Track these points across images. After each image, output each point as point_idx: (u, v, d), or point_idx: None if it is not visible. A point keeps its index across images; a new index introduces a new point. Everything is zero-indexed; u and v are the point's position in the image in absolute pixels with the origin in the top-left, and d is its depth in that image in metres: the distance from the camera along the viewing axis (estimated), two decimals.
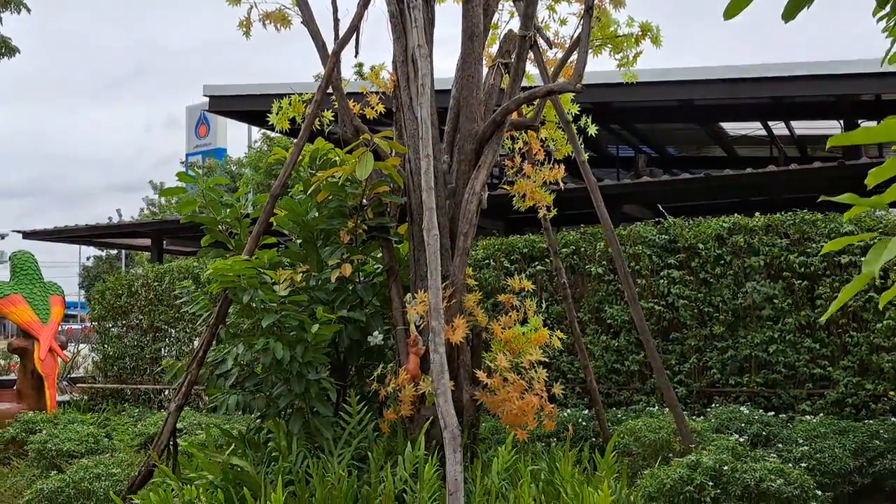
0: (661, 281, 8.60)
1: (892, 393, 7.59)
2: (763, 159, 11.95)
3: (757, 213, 8.44)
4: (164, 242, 16.00)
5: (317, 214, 5.53)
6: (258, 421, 5.14)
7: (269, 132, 33.50)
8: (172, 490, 4.47)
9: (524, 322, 5.26)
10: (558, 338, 5.16)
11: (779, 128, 14.00)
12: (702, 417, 7.73)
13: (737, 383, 8.25)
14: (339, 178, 5.16)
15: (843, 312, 7.96)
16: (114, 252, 45.54)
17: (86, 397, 12.46)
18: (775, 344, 8.07)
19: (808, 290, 8.04)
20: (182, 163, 41.47)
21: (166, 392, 11.76)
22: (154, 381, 11.99)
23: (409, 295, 5.25)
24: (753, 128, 14.61)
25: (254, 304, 4.72)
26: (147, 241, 16.30)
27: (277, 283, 4.87)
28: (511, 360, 5.01)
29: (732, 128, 14.52)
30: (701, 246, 8.48)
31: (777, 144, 14.48)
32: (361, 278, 5.51)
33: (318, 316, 4.71)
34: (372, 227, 5.48)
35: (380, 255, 5.61)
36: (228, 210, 5.73)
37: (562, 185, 5.78)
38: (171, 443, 5.05)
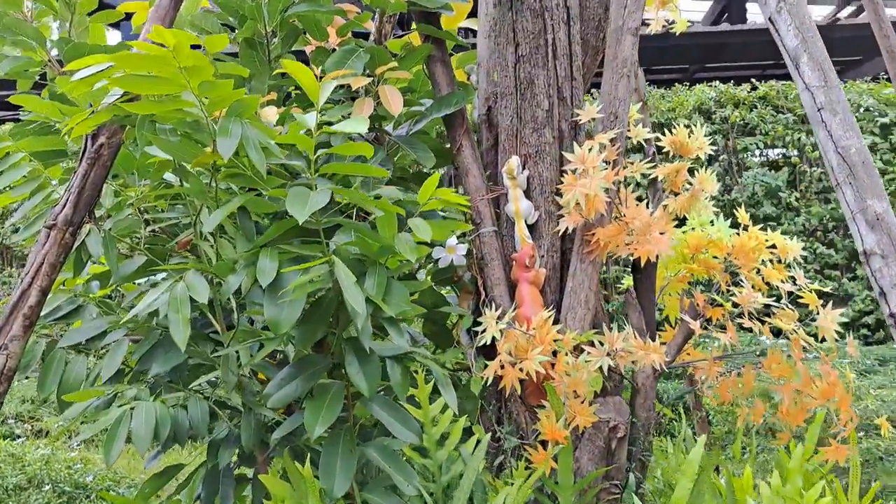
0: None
1: None
2: None
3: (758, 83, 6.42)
4: None
5: None
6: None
7: None
8: None
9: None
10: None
11: None
12: None
13: None
14: None
15: None
16: None
17: None
18: None
19: (819, 180, 6.22)
20: None
21: None
22: None
23: (514, 158, 2.45)
24: None
25: (248, 160, 1.69)
26: None
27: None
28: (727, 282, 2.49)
29: None
30: (684, 123, 6.30)
31: None
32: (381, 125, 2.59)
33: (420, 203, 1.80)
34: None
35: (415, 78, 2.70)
36: None
37: None
38: None
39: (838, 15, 9.92)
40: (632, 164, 2.47)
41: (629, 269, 4.91)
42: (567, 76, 2.50)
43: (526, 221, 2.46)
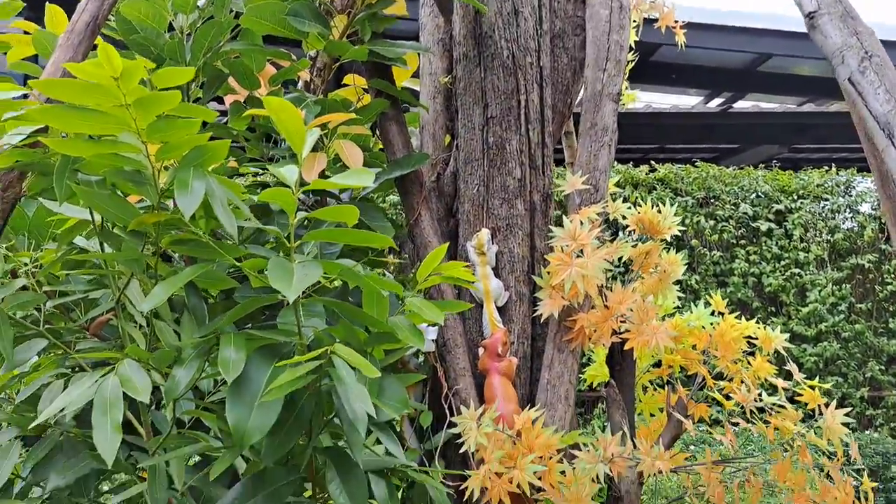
0: None
1: None
2: None
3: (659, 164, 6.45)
4: None
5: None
6: None
7: None
8: None
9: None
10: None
11: None
12: None
13: None
14: None
15: (757, 292, 6.31)
16: None
17: None
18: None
19: (716, 263, 6.25)
20: None
21: None
22: None
23: (485, 231, 2.16)
24: None
25: (204, 222, 1.31)
26: None
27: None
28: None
29: None
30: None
31: None
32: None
33: None
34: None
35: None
36: None
37: None
38: None
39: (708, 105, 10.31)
40: (611, 241, 2.22)
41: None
42: (539, 142, 2.25)
43: (496, 303, 2.16)
